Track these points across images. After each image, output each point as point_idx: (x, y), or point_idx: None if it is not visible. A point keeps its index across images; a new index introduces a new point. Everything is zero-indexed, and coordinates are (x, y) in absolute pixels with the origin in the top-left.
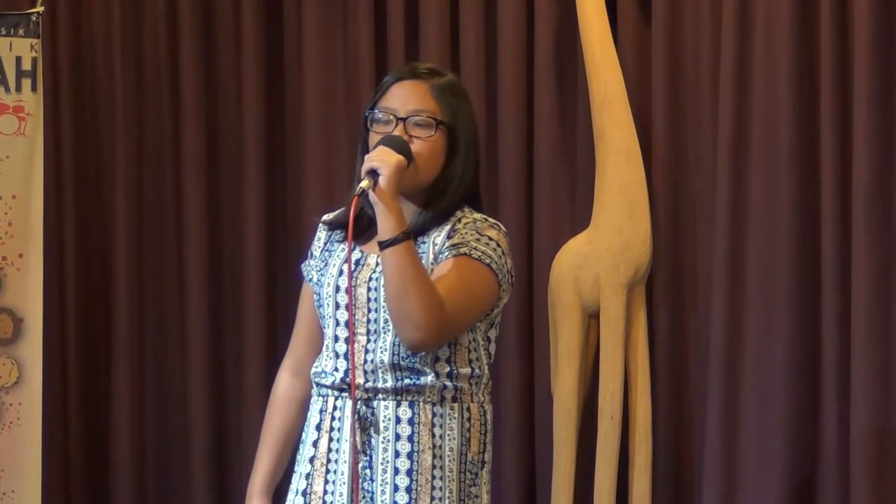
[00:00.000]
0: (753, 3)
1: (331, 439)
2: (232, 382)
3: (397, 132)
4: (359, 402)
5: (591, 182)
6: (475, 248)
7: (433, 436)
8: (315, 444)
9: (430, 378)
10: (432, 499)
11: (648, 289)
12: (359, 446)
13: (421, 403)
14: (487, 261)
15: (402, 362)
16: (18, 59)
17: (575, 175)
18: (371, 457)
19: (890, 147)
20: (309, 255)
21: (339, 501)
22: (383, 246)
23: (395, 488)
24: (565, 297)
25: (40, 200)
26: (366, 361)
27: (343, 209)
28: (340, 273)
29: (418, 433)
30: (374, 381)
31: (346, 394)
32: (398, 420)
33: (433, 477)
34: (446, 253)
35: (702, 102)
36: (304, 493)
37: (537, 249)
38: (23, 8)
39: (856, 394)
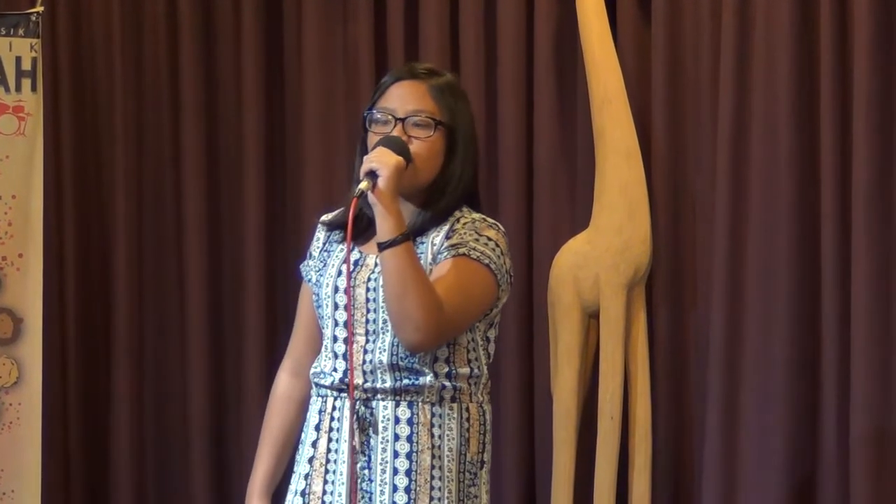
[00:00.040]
0: (753, 3)
1: (330, 440)
2: (232, 382)
3: (396, 132)
4: (358, 403)
5: (590, 182)
6: (474, 249)
7: (432, 436)
8: (314, 444)
9: (428, 378)
10: (431, 499)
11: (648, 289)
12: (358, 446)
13: (420, 403)
14: (486, 261)
15: (400, 363)
16: (18, 59)
17: (575, 175)
18: (370, 457)
19: (890, 147)
20: (308, 255)
21: (337, 502)
22: (382, 247)
23: (394, 488)
24: (565, 297)
25: (40, 200)
26: (364, 362)
27: (342, 209)
28: (339, 273)
29: (417, 433)
30: (373, 381)
31: (345, 394)
32: (397, 420)
33: (432, 477)
34: (445, 253)
35: (701, 102)
36: (303, 494)
37: (537, 249)
38: (22, 8)
39: (856, 394)
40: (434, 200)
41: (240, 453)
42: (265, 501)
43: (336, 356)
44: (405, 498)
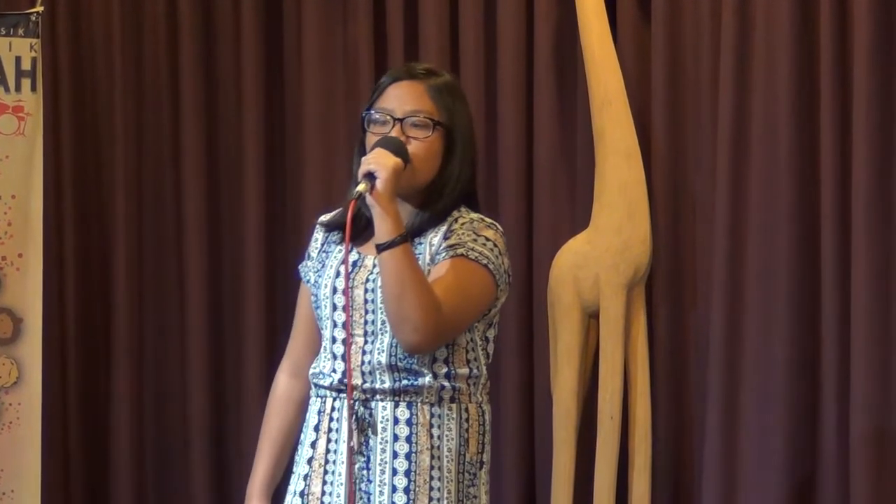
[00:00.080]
0: (753, 3)
1: (329, 440)
2: (231, 382)
3: (394, 133)
4: (357, 403)
5: (590, 182)
6: (472, 249)
7: (431, 436)
8: (313, 444)
9: (427, 379)
10: (430, 499)
11: (648, 289)
12: (357, 447)
13: (419, 404)
14: (484, 261)
15: (399, 363)
16: (18, 59)
17: (574, 175)
18: (369, 458)
19: (889, 147)
20: (306, 256)
21: (336, 502)
22: (380, 249)
23: (394, 489)
24: (565, 297)
25: (40, 200)
26: (363, 363)
27: (340, 210)
28: (338, 274)
29: (416, 434)
30: (372, 381)
31: (344, 395)
32: (396, 421)
33: (431, 478)
34: (443, 254)
35: (701, 102)
36: (302, 494)
37: (537, 249)
38: (22, 8)
39: (855, 394)
40: (432, 201)
41: (240, 453)
42: (265, 502)
43: (335, 357)
44: (404, 498)
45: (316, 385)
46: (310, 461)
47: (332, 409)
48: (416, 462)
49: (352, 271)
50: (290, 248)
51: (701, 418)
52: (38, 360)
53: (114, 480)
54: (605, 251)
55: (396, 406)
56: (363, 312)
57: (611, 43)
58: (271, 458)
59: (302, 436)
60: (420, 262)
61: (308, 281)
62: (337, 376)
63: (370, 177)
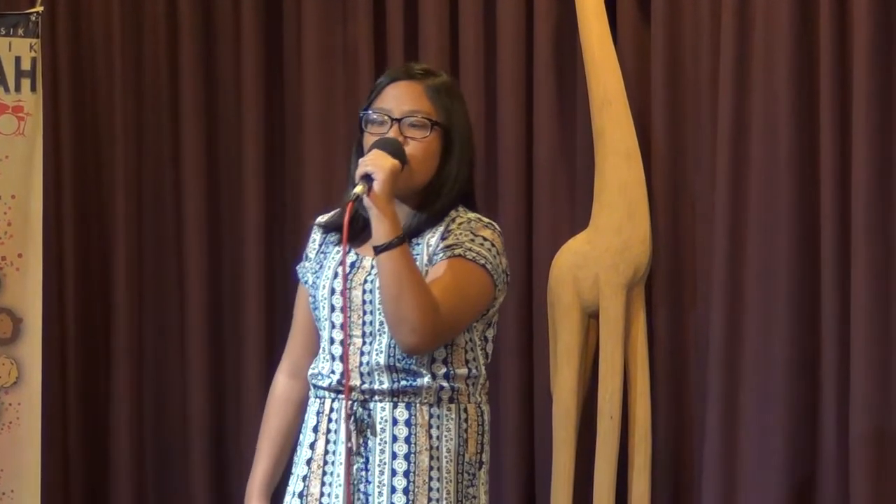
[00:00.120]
0: (753, 3)
1: (327, 441)
2: (231, 382)
3: (392, 133)
4: (355, 404)
5: (590, 182)
6: (469, 249)
7: (430, 437)
8: (312, 445)
9: (426, 379)
10: (429, 500)
11: (648, 289)
12: (355, 448)
13: (417, 405)
14: (482, 261)
15: (397, 364)
16: (18, 59)
17: (574, 175)
18: (368, 459)
19: (889, 147)
20: (304, 257)
21: (335, 503)
22: (378, 251)
23: (393, 490)
24: (564, 297)
25: (39, 200)
26: (361, 364)
27: (338, 210)
28: (336, 276)
29: (415, 434)
30: (371, 382)
31: (343, 396)
32: (395, 422)
33: (430, 478)
34: (440, 254)
35: (701, 102)
36: (301, 496)
37: (537, 249)
38: (22, 8)
39: (855, 394)
40: (430, 202)
41: (240, 453)
42: (264, 502)
43: (333, 358)
44: (403, 499)
45: (314, 386)
46: (308, 462)
47: (331, 409)
48: (414, 463)
49: (350, 272)
50: (289, 248)
51: (701, 418)
52: (37, 360)
53: (113, 480)
54: (604, 251)
55: (395, 407)
56: (361, 314)
57: (611, 43)
58: (270, 458)
59: (301, 436)
60: (418, 263)
61: (306, 282)
62: (335, 377)
63: (367, 178)
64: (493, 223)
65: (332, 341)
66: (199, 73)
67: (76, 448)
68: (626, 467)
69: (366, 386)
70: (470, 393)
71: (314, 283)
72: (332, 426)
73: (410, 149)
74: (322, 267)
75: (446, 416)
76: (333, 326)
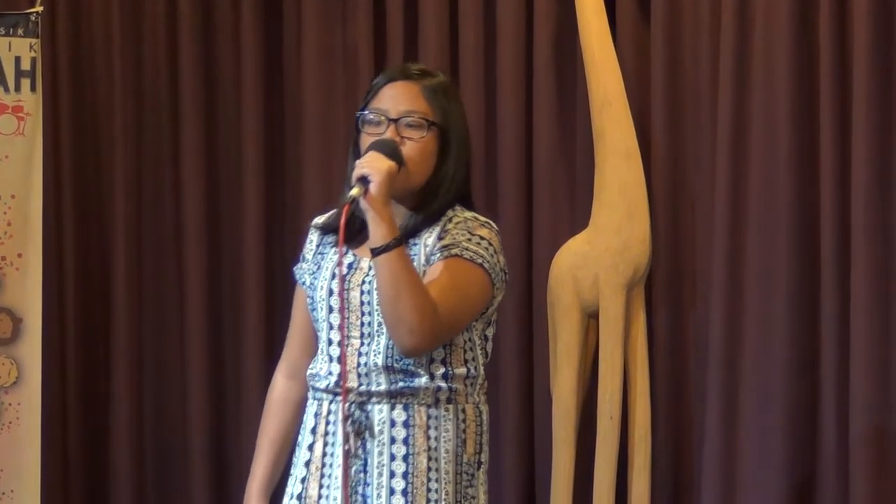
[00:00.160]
0: (752, 3)
1: (325, 443)
2: (231, 382)
3: (389, 134)
4: (353, 406)
5: (590, 182)
6: (467, 249)
7: (428, 438)
8: (310, 447)
9: (424, 380)
10: (428, 501)
11: (647, 289)
12: (353, 450)
13: (415, 406)
14: (479, 260)
15: (395, 365)
16: (17, 59)
17: (574, 175)
18: (366, 460)
19: (889, 147)
20: (301, 258)
21: None
22: (375, 253)
23: (391, 491)
24: (564, 297)
25: (39, 200)
26: (359, 364)
27: (335, 211)
28: (333, 277)
29: (413, 436)
30: (368, 384)
31: (340, 397)
32: (393, 423)
33: (429, 479)
34: (438, 254)
35: (701, 103)
36: (300, 497)
37: (536, 249)
38: (22, 8)
39: (855, 393)
40: (427, 202)
41: (239, 453)
42: (263, 503)
43: (331, 359)
44: (402, 501)
45: (312, 387)
46: (307, 464)
47: (329, 412)
48: (413, 464)
49: (347, 273)
50: (289, 248)
51: (700, 418)
52: (37, 359)
53: (113, 480)
54: (604, 251)
55: (393, 408)
56: (359, 315)
57: (610, 43)
58: (270, 459)
59: (299, 437)
60: (415, 264)
61: (303, 283)
62: (333, 378)
63: (364, 181)
64: (490, 222)
65: (330, 342)
66: (199, 73)
67: (76, 448)
68: (626, 467)
69: (363, 388)
70: (468, 393)
71: (312, 284)
72: (330, 428)
73: (407, 149)
74: (320, 268)
75: (444, 416)
76: (331, 328)
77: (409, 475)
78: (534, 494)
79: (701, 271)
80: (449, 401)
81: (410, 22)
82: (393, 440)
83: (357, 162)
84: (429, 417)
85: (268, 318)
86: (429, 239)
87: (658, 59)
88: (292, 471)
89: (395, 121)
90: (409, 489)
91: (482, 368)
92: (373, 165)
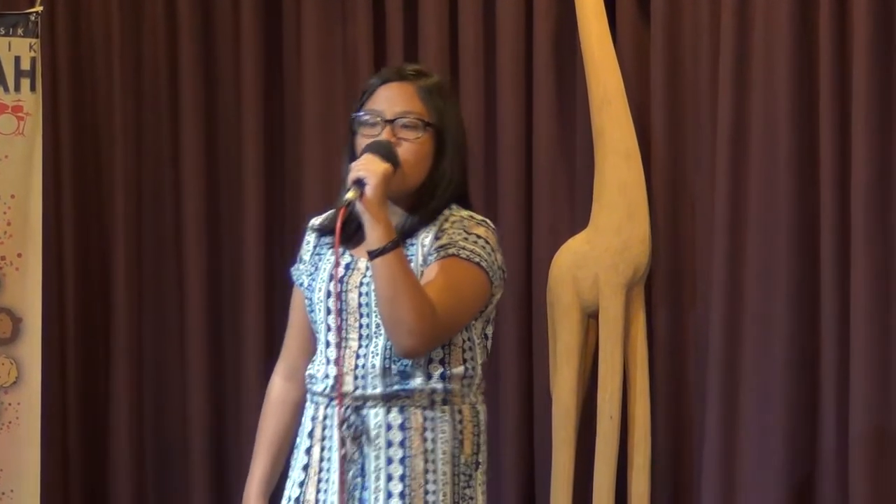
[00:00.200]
0: (752, 3)
1: (322, 447)
2: (231, 382)
3: (385, 135)
4: (348, 411)
5: (590, 182)
6: (463, 248)
7: (424, 440)
8: (308, 451)
9: (419, 382)
10: (426, 503)
11: (647, 289)
12: (349, 456)
13: (411, 408)
14: (477, 259)
15: (393, 366)
16: (17, 59)
17: (574, 175)
18: (363, 465)
19: (889, 147)
20: (298, 259)
21: None
22: (372, 256)
23: (389, 495)
24: (564, 297)
25: (39, 200)
26: (357, 366)
27: (332, 212)
28: (331, 278)
29: (409, 438)
30: (364, 386)
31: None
32: (389, 426)
33: (426, 481)
34: (434, 255)
35: (701, 102)
36: (298, 501)
37: (536, 249)
38: (21, 8)
39: (855, 393)
40: (423, 203)
41: (239, 453)
42: None
43: (328, 361)
44: (400, 503)
45: (310, 390)
46: (305, 468)
47: (325, 416)
48: (410, 467)
49: (345, 274)
50: (289, 248)
51: (700, 418)
52: (37, 359)
53: (113, 480)
54: (604, 251)
55: (388, 412)
56: (358, 316)
57: (610, 43)
58: (268, 460)
59: (298, 439)
60: (413, 264)
61: (301, 284)
62: (330, 382)
63: (359, 184)
64: (487, 220)
65: (328, 344)
66: (199, 74)
67: (76, 448)
68: (626, 467)
69: (358, 392)
70: (464, 394)
71: (310, 285)
72: (327, 433)
73: (403, 150)
74: (317, 269)
75: (440, 418)
76: (330, 329)
77: (407, 478)
78: (533, 494)
79: (701, 271)
80: (445, 402)
81: (410, 22)
82: (389, 443)
83: (352, 165)
84: (425, 419)
85: (268, 318)
86: (426, 239)
87: (658, 59)
88: (290, 473)
89: (391, 122)
90: (407, 491)
91: (480, 368)
92: (368, 168)
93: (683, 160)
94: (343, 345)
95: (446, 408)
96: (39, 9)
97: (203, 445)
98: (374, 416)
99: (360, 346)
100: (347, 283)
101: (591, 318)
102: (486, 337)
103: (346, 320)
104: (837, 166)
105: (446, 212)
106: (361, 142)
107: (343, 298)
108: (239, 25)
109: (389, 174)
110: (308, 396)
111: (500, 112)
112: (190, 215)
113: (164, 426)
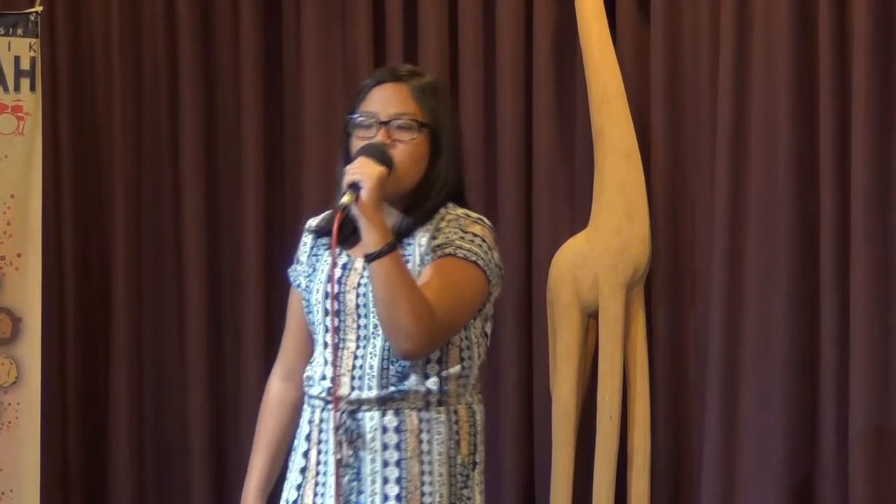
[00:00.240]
0: (752, 4)
1: (319, 451)
2: (231, 382)
3: (380, 136)
4: (344, 415)
5: (589, 182)
6: (460, 247)
7: (420, 441)
8: (305, 454)
9: (414, 383)
10: None
11: (647, 289)
12: (345, 460)
13: (406, 410)
14: (473, 258)
15: (391, 366)
16: (17, 59)
17: (574, 175)
18: (359, 469)
19: (888, 147)
20: (295, 260)
21: None
22: (369, 259)
23: (385, 498)
24: (564, 297)
25: (39, 200)
26: (354, 367)
27: (328, 213)
28: (329, 279)
29: (405, 440)
30: (360, 387)
31: (331, 405)
32: (385, 429)
33: (423, 483)
34: (431, 255)
35: (701, 102)
36: None
37: (536, 249)
38: (21, 7)
39: (854, 393)
40: (418, 204)
41: (239, 453)
42: None
43: (326, 362)
44: None
45: (307, 393)
46: (303, 471)
47: (321, 419)
48: (406, 469)
49: (342, 275)
50: (289, 248)
51: (700, 418)
52: (37, 359)
53: (113, 480)
54: (604, 251)
55: (384, 415)
56: (356, 317)
57: (610, 43)
58: (266, 462)
59: (295, 441)
60: (410, 264)
61: (298, 285)
62: (326, 384)
63: (354, 187)
64: (483, 218)
65: (326, 345)
66: (199, 74)
67: (75, 448)
68: (626, 467)
69: (354, 396)
70: (459, 394)
71: (307, 286)
72: (323, 436)
73: (398, 152)
74: (315, 270)
75: (436, 419)
76: (327, 330)
77: (403, 480)
78: (533, 494)
79: (701, 271)
80: (440, 403)
81: (410, 23)
82: (385, 446)
83: (347, 168)
84: (420, 421)
85: (267, 318)
86: (423, 239)
87: (658, 59)
88: (288, 475)
89: (385, 123)
90: (403, 494)
91: (476, 368)
92: (363, 172)
93: (683, 160)
94: (341, 345)
95: (442, 409)
96: (39, 9)
97: (203, 445)
98: (370, 420)
99: (357, 347)
100: (345, 283)
101: (590, 318)
102: (485, 335)
103: (344, 321)
104: (837, 166)
105: (442, 210)
106: (356, 144)
107: (340, 299)
108: (238, 25)
109: (384, 177)
110: (305, 399)
111: (500, 112)
112: (190, 215)
113: (164, 426)
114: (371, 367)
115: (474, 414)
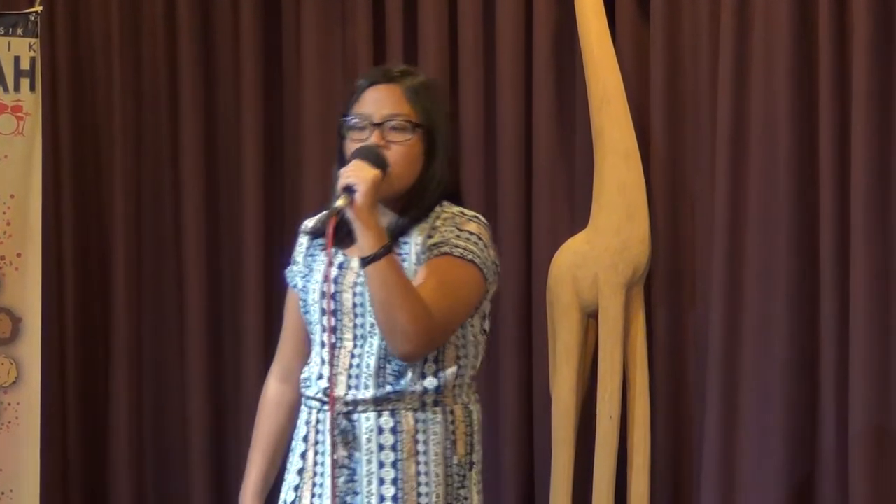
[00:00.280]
0: (752, 4)
1: (316, 452)
2: (230, 382)
3: (374, 138)
4: (339, 416)
5: (589, 182)
6: (456, 246)
7: (416, 442)
8: (303, 455)
9: (410, 383)
10: None
11: (647, 289)
12: (341, 461)
13: (402, 411)
14: (470, 256)
15: (388, 366)
16: (17, 59)
17: (573, 175)
18: (355, 470)
19: (888, 147)
20: (292, 261)
21: None
22: (364, 262)
23: (381, 499)
24: (564, 297)
25: (39, 200)
26: (351, 366)
27: (324, 214)
28: (325, 279)
29: (401, 441)
30: (357, 387)
31: (328, 406)
32: (380, 430)
33: (419, 483)
34: (427, 254)
35: (700, 102)
36: None
37: (536, 249)
38: (21, 7)
39: (854, 393)
40: (413, 204)
41: (239, 453)
42: None
43: (323, 362)
44: None
45: (303, 394)
46: (300, 472)
47: (317, 420)
48: (402, 470)
49: (339, 274)
50: (289, 248)
51: (700, 418)
52: (36, 359)
53: (113, 480)
54: (603, 251)
55: (380, 416)
56: (353, 317)
57: (610, 42)
58: (264, 462)
59: (293, 442)
60: (406, 264)
61: (295, 286)
62: (322, 384)
63: (349, 190)
64: (478, 215)
65: (323, 345)
66: (198, 74)
67: (75, 448)
68: (626, 467)
69: (349, 397)
70: (455, 394)
71: (304, 287)
72: (320, 437)
73: (392, 153)
74: (312, 271)
75: (432, 419)
76: (324, 330)
77: (399, 481)
78: (533, 494)
79: (701, 271)
80: (436, 403)
81: (410, 23)
82: (381, 447)
83: (341, 171)
84: (416, 422)
85: (267, 318)
86: (418, 238)
87: (658, 59)
88: (286, 476)
89: (379, 125)
90: (399, 495)
91: (471, 369)
92: (357, 175)
93: (683, 160)
94: (338, 345)
95: (437, 409)
96: (39, 9)
97: (203, 445)
98: (366, 421)
99: (355, 346)
100: (341, 283)
101: (590, 318)
102: (484, 332)
103: (341, 320)
104: (837, 166)
105: (438, 209)
106: (351, 146)
107: (337, 298)
108: (238, 25)
109: (378, 180)
110: (302, 400)
111: (500, 112)
112: (190, 215)
113: (164, 426)
114: (368, 365)
115: (471, 414)
